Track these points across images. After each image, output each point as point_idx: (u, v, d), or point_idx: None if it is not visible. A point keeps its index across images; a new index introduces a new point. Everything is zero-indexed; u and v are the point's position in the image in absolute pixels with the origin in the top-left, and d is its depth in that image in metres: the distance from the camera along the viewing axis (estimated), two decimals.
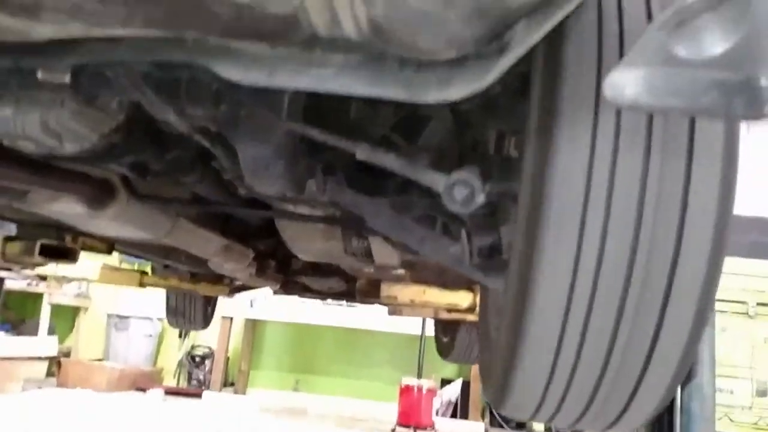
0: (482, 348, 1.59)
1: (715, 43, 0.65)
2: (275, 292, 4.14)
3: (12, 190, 1.52)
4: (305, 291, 3.60)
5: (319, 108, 1.26)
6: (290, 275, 3.13)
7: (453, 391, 6.60)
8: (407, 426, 5.24)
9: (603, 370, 0.99)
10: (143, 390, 6.73)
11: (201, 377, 7.43)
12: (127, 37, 0.84)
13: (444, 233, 1.40)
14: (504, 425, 6.10)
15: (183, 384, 7.46)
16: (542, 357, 0.98)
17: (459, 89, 0.79)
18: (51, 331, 7.03)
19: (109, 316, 7.33)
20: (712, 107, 0.65)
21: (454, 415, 6.52)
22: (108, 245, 2.44)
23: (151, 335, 7.40)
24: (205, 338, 7.42)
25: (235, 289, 3.87)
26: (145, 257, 3.02)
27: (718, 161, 0.90)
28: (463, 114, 1.33)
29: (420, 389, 5.25)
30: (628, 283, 0.92)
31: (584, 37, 0.89)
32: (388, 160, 1.13)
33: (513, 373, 1.02)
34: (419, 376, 6.34)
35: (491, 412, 6.27)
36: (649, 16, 0.90)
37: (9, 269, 4.23)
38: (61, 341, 7.21)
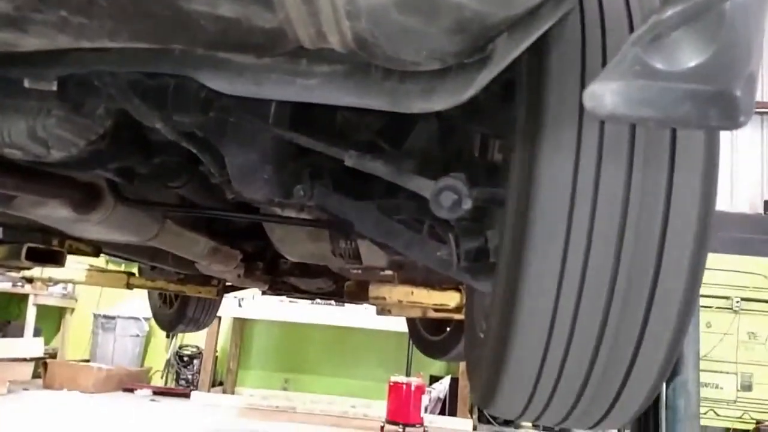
0: (469, 347, 1.60)
1: (690, 57, 0.67)
2: (263, 293, 4.14)
3: None
4: (293, 291, 3.60)
5: (306, 113, 1.27)
6: (278, 276, 3.13)
7: (441, 388, 6.63)
8: (396, 423, 5.26)
9: (590, 369, 1.01)
10: (131, 390, 6.71)
11: (189, 377, 7.41)
12: (114, 49, 0.85)
13: (430, 236, 1.41)
14: (492, 422, 6.15)
15: (171, 384, 7.44)
16: (530, 358, 1.00)
17: (442, 100, 0.81)
18: (37, 333, 6.98)
19: (96, 316, 7.29)
20: (688, 118, 0.67)
21: (442, 412, 6.56)
22: (95, 248, 2.42)
23: (138, 335, 7.37)
24: (193, 338, 7.40)
25: (223, 290, 3.86)
26: (132, 259, 3.01)
27: (699, 166, 0.92)
28: (448, 119, 1.34)
29: (409, 387, 5.27)
30: (614, 284, 0.94)
31: (567, 47, 0.91)
32: (376, 167, 1.14)
33: (501, 374, 1.04)
34: (408, 373, 6.37)
35: (479, 409, 6.32)
36: (631, 26, 0.93)
37: None
38: (47, 342, 7.16)
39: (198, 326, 4.40)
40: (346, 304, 6.21)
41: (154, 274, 3.55)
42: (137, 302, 6.98)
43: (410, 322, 4.36)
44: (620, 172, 0.91)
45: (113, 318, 7.21)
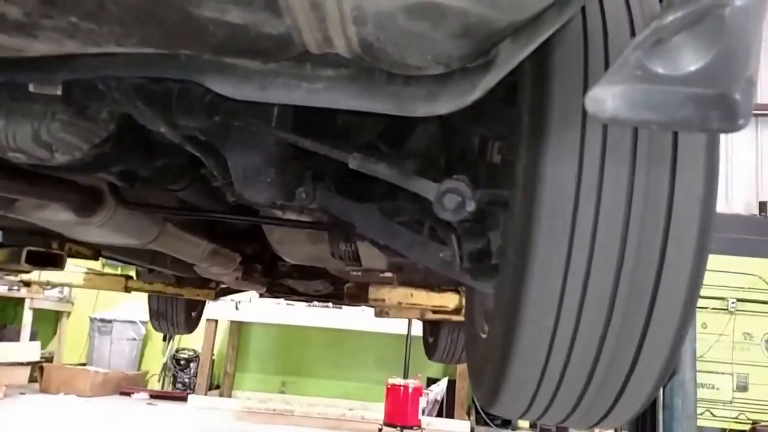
0: (470, 348, 1.61)
1: (691, 61, 0.68)
2: (261, 295, 4.14)
3: (0, 199, 1.52)
4: (291, 293, 3.60)
5: (308, 116, 1.28)
6: (276, 278, 3.13)
7: (439, 390, 6.63)
8: (394, 426, 5.26)
9: (592, 369, 1.02)
10: (128, 394, 6.69)
11: (186, 380, 7.40)
12: (121, 53, 0.85)
13: (431, 237, 1.42)
14: (490, 423, 6.15)
15: (168, 387, 7.42)
16: (533, 358, 1.01)
17: (446, 103, 0.82)
18: (33, 337, 6.96)
19: (92, 319, 7.27)
20: (689, 121, 0.68)
21: (440, 414, 6.56)
22: (94, 251, 2.43)
23: (135, 338, 7.35)
24: (190, 341, 7.39)
25: (220, 293, 3.86)
26: (131, 262, 3.00)
27: (701, 167, 0.94)
28: (450, 121, 1.35)
29: (406, 389, 5.28)
30: (617, 284, 0.95)
31: (570, 50, 0.93)
32: (380, 169, 1.15)
33: (505, 374, 1.05)
34: (405, 375, 6.37)
35: (477, 411, 6.33)
36: (633, 31, 0.94)
37: None
38: (43, 346, 7.15)
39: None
40: (343, 307, 6.21)
41: (151, 277, 3.55)
42: (134, 305, 6.98)
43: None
44: (623, 173, 0.92)
45: (110, 321, 7.19)
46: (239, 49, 0.81)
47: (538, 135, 0.92)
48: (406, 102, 0.83)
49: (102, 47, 0.81)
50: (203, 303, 4.42)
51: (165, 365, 7.53)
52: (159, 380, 7.52)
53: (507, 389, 1.07)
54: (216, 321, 7.11)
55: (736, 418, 5.89)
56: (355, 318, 6.37)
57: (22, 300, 6.93)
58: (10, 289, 6.68)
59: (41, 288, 6.85)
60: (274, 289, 3.48)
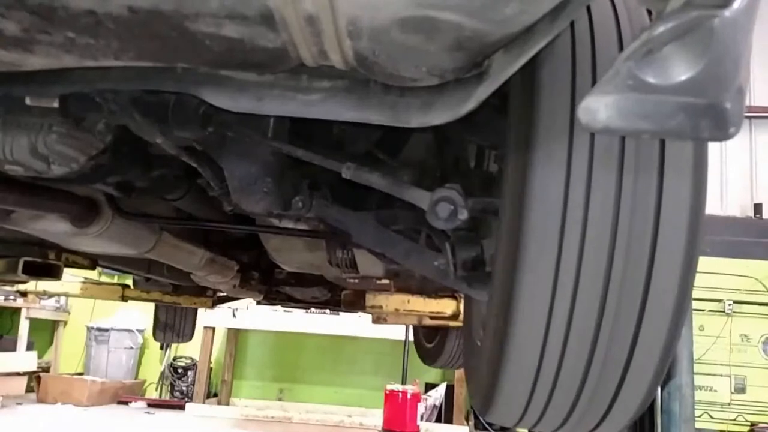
0: (467, 355, 1.62)
1: (681, 70, 0.69)
2: (258, 303, 4.14)
3: None
4: (289, 301, 3.60)
5: (303, 126, 1.28)
6: (273, 285, 3.14)
7: (437, 395, 6.63)
8: None
9: (585, 375, 1.03)
10: (125, 403, 6.66)
11: (184, 389, 7.37)
12: (117, 67, 0.86)
13: (427, 245, 1.43)
14: (488, 428, 6.15)
15: (166, 396, 7.40)
16: (526, 366, 1.02)
17: (440, 114, 0.83)
18: (30, 346, 6.93)
19: (89, 329, 7.24)
20: (680, 130, 0.69)
21: (438, 420, 6.54)
22: (91, 261, 2.43)
23: (132, 347, 7.32)
24: (187, 349, 7.37)
25: (217, 301, 3.86)
26: (128, 271, 3.01)
27: (688, 173, 0.95)
28: (444, 130, 1.36)
29: (404, 395, 5.27)
30: (607, 290, 0.96)
31: (558, 61, 0.94)
32: (374, 179, 1.16)
33: (498, 382, 1.06)
34: (403, 381, 6.36)
35: (475, 416, 6.32)
36: (620, 42, 0.95)
37: None
38: (40, 356, 7.11)
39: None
40: (340, 313, 6.21)
41: (149, 285, 3.55)
42: (131, 314, 6.96)
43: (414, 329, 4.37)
44: (611, 180, 0.93)
45: (107, 330, 7.16)
46: (235, 62, 0.82)
47: (527, 144, 0.93)
48: (401, 113, 0.84)
49: (99, 61, 0.82)
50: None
51: (162, 374, 7.50)
52: (157, 389, 7.49)
53: (500, 397, 1.08)
54: (213, 329, 7.10)
55: (735, 420, 5.90)
56: (353, 324, 6.37)
57: (18, 309, 6.90)
58: (6, 299, 6.66)
59: (38, 297, 6.83)
60: (271, 297, 3.48)
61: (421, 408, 5.45)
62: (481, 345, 1.25)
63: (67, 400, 6.24)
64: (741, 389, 5.95)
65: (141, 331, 7.16)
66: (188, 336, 4.40)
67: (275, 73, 0.84)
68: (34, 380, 6.51)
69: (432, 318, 2.67)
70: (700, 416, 5.48)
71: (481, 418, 6.10)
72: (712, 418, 5.86)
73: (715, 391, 5.91)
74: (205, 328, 6.93)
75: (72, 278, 3.44)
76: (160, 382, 7.49)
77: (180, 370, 7.47)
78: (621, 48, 0.95)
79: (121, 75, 0.90)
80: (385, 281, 2.49)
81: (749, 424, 5.85)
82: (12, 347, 6.77)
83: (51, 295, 6.25)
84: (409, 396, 5.28)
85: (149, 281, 3.45)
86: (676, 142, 0.94)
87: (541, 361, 1.01)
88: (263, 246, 2.18)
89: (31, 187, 1.43)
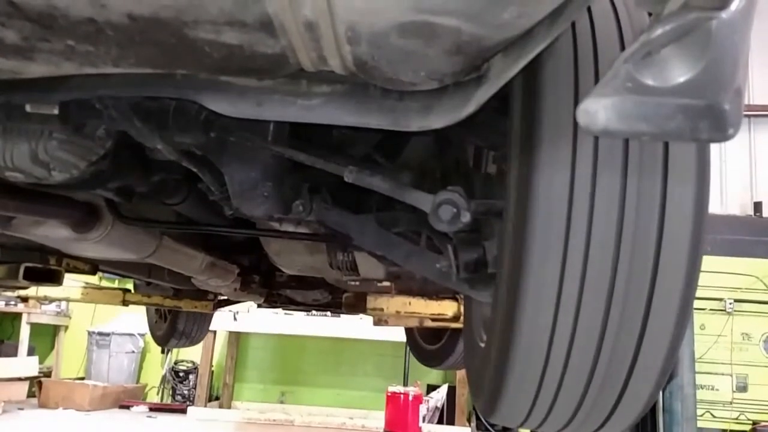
0: (469, 357, 1.62)
1: (680, 72, 0.69)
2: (259, 306, 4.13)
3: None
4: (289, 303, 3.60)
5: (303, 130, 1.29)
6: (274, 289, 3.14)
7: (439, 396, 6.63)
8: None
9: (590, 376, 1.03)
10: (127, 407, 6.66)
11: (185, 392, 7.37)
12: (117, 74, 0.86)
13: (428, 247, 1.43)
14: (490, 430, 6.14)
15: (167, 400, 7.39)
16: (531, 367, 1.02)
17: (440, 118, 0.83)
18: (31, 351, 6.93)
19: (90, 333, 7.24)
20: (679, 131, 0.69)
21: (440, 421, 6.54)
22: (92, 266, 2.43)
23: (133, 351, 7.32)
24: (189, 353, 7.37)
25: (218, 304, 3.86)
26: (129, 276, 3.01)
27: (692, 173, 0.95)
28: (444, 131, 1.36)
29: (406, 396, 5.27)
30: (612, 291, 0.96)
31: (561, 64, 0.94)
32: (375, 182, 1.16)
33: (503, 383, 1.06)
34: (405, 383, 6.37)
35: (477, 417, 6.31)
36: (622, 43, 0.95)
37: None
38: (41, 361, 7.12)
39: (191, 341, 4.41)
40: (341, 315, 6.21)
41: (149, 290, 3.55)
42: (132, 318, 6.96)
43: (408, 331, 4.36)
44: (615, 181, 0.93)
45: (108, 335, 7.16)
46: (235, 68, 0.82)
47: (531, 146, 0.93)
48: (400, 117, 0.85)
49: (98, 68, 0.82)
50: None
51: (164, 378, 7.50)
52: (158, 393, 7.49)
53: (505, 398, 1.08)
54: (214, 332, 7.09)
55: (737, 418, 5.90)
56: (354, 326, 6.36)
57: (19, 315, 6.90)
58: (7, 304, 6.66)
59: (38, 303, 6.83)
60: (272, 300, 3.48)
61: (423, 409, 5.45)
62: (485, 346, 1.25)
63: (68, 405, 6.24)
64: (742, 388, 5.94)
65: (142, 335, 7.16)
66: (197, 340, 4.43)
67: (275, 78, 0.85)
68: (36, 385, 6.51)
69: (433, 320, 2.67)
70: (701, 415, 5.48)
71: (483, 419, 6.09)
72: (714, 417, 5.86)
73: (717, 390, 5.91)
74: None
75: (73, 283, 3.43)
76: (162, 386, 7.49)
77: (181, 374, 7.47)
78: (622, 48, 0.95)
79: (121, 81, 0.90)
80: (386, 283, 2.49)
81: (751, 422, 5.84)
82: (13, 352, 6.77)
83: (52, 300, 6.23)
84: (410, 398, 5.27)
85: (150, 285, 3.45)
86: (679, 143, 0.94)
87: (547, 363, 1.02)
88: (264, 249, 2.18)
89: (31, 194, 1.43)
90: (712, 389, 5.89)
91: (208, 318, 4.36)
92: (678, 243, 0.95)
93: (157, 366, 7.64)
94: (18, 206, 1.45)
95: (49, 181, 1.23)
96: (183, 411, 6.65)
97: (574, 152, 0.92)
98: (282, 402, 7.55)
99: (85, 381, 6.90)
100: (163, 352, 7.48)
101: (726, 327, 5.97)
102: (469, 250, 1.23)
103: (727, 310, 5.98)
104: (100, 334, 7.18)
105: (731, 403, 5.93)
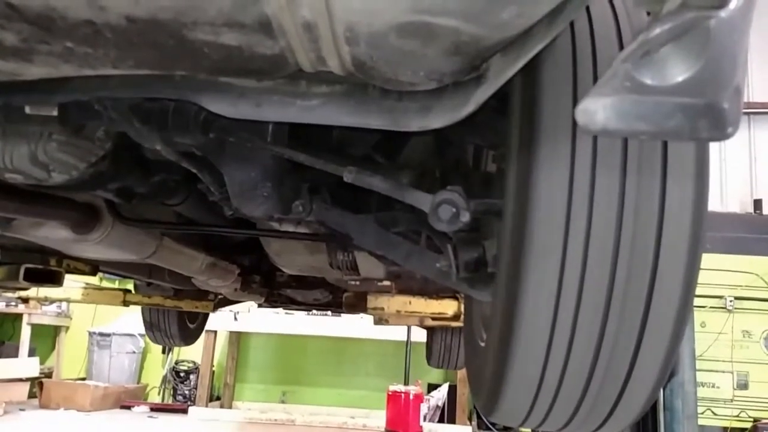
0: (469, 356, 1.62)
1: (679, 71, 0.69)
2: (260, 305, 4.14)
3: None
4: (290, 303, 3.60)
5: (303, 130, 1.28)
6: (275, 288, 3.14)
7: (440, 395, 6.63)
8: None
9: (590, 375, 1.03)
10: (128, 408, 6.66)
11: (186, 392, 7.37)
12: (116, 75, 0.86)
13: (428, 247, 1.43)
14: (491, 428, 6.15)
15: (168, 400, 7.39)
16: (531, 366, 1.02)
17: (439, 118, 0.83)
18: (32, 352, 6.93)
19: (91, 334, 7.24)
20: (678, 130, 0.69)
21: (441, 420, 6.55)
22: (92, 267, 2.43)
23: (134, 352, 7.32)
24: (190, 353, 7.37)
25: (219, 304, 3.86)
26: (130, 276, 3.01)
27: (691, 172, 0.95)
28: (443, 131, 1.36)
29: (407, 395, 5.27)
30: (611, 290, 0.96)
31: (559, 62, 0.94)
32: (375, 182, 1.16)
33: (503, 383, 1.06)
34: (406, 382, 6.36)
35: (478, 416, 6.32)
36: (621, 42, 0.95)
37: None
38: (42, 361, 7.11)
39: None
40: (342, 314, 6.21)
41: (150, 290, 3.55)
42: (132, 319, 6.95)
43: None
44: (614, 180, 0.93)
45: (108, 335, 7.16)
46: (234, 69, 0.82)
47: (530, 145, 0.93)
48: (399, 117, 0.85)
49: (97, 70, 0.82)
50: (203, 315, 4.40)
51: (165, 378, 7.50)
52: (159, 393, 7.49)
53: (505, 397, 1.08)
54: (215, 332, 7.09)
55: (738, 416, 5.89)
56: (355, 325, 6.36)
57: (19, 316, 6.90)
58: (7, 305, 6.65)
59: (39, 303, 6.83)
60: (272, 299, 3.48)
61: (424, 408, 5.45)
62: (485, 345, 1.25)
63: (69, 406, 6.24)
64: (743, 385, 5.94)
65: (143, 335, 7.14)
66: (177, 337, 4.39)
67: (274, 79, 0.85)
68: (37, 386, 6.51)
69: (434, 319, 2.67)
70: (702, 413, 5.48)
71: (484, 418, 6.10)
72: (715, 414, 5.86)
73: (718, 387, 5.90)
74: (207, 331, 6.91)
75: (73, 284, 3.44)
76: (163, 386, 7.49)
77: (182, 374, 7.47)
78: (621, 48, 0.95)
79: (120, 83, 0.90)
80: (387, 283, 2.50)
81: (752, 420, 5.84)
82: (14, 353, 6.77)
83: (53, 301, 6.23)
84: (411, 397, 5.28)
85: (150, 286, 3.45)
86: (678, 142, 0.94)
87: (547, 361, 1.02)
88: (264, 249, 2.18)
89: (31, 195, 1.43)
90: (713, 387, 5.89)
91: None
92: (677, 241, 0.95)
93: (158, 366, 7.64)
94: (18, 208, 1.45)
95: (49, 183, 1.23)
96: (184, 411, 6.64)
97: (573, 151, 0.92)
98: (283, 402, 7.55)
99: (86, 381, 6.90)
100: (163, 352, 7.48)
101: (726, 324, 5.97)
102: (468, 249, 1.23)
103: (728, 307, 5.98)
104: (100, 334, 7.19)
105: (732, 400, 5.93)
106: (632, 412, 1.11)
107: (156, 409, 6.79)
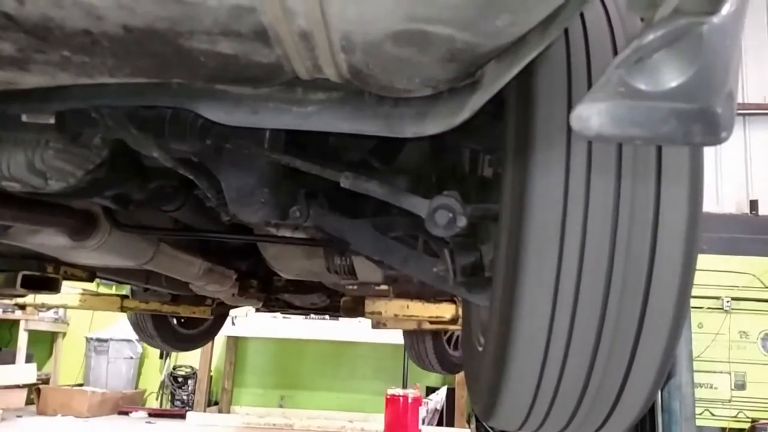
0: (467, 360, 1.62)
1: (672, 77, 0.69)
2: (257, 310, 4.13)
3: None
4: (288, 308, 3.60)
5: (299, 135, 1.29)
6: (272, 293, 3.14)
7: (438, 399, 6.63)
8: None
9: (587, 378, 1.04)
10: (126, 413, 6.65)
11: (184, 398, 7.36)
12: (113, 83, 0.87)
13: (425, 251, 1.43)
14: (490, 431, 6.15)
15: (166, 405, 7.38)
16: (528, 370, 1.03)
17: (434, 124, 0.83)
18: (29, 359, 6.91)
19: (88, 339, 7.23)
20: (672, 135, 0.69)
21: (440, 423, 6.54)
22: (90, 273, 2.43)
23: (131, 357, 7.31)
24: (187, 358, 7.36)
25: (216, 309, 3.85)
26: (127, 282, 3.01)
27: (685, 176, 0.96)
28: (439, 136, 1.37)
29: (405, 399, 5.27)
30: (608, 294, 0.97)
31: (554, 67, 0.95)
32: (371, 188, 1.17)
33: (501, 387, 1.06)
34: (404, 385, 6.36)
35: (477, 419, 6.31)
36: (614, 47, 0.96)
37: None
38: (39, 368, 7.10)
39: None
40: (340, 318, 6.21)
41: (147, 296, 3.54)
42: (130, 324, 6.93)
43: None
44: (609, 184, 0.94)
45: (106, 341, 7.15)
46: (230, 77, 0.83)
47: (525, 150, 0.94)
48: (395, 123, 0.85)
49: (94, 78, 0.83)
50: (208, 322, 4.37)
51: (162, 383, 7.49)
52: (157, 398, 7.48)
53: (503, 401, 1.08)
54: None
55: (735, 416, 5.91)
56: (352, 329, 6.36)
57: (17, 322, 6.89)
58: (4, 311, 6.64)
59: (36, 310, 6.81)
60: (270, 304, 3.48)
61: (422, 412, 5.45)
62: (483, 350, 1.25)
63: (67, 412, 6.23)
64: (741, 386, 5.96)
65: (140, 341, 7.14)
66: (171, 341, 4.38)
67: (270, 86, 0.85)
68: (34, 392, 6.49)
69: (431, 323, 2.67)
70: (700, 414, 5.49)
71: (483, 422, 6.09)
72: (713, 415, 5.87)
73: (716, 388, 5.92)
74: None
75: (70, 290, 3.43)
76: (161, 392, 7.47)
77: (180, 379, 7.45)
78: (615, 53, 0.96)
79: (116, 91, 0.90)
80: (384, 287, 2.50)
81: (750, 420, 5.86)
82: (11, 360, 6.75)
83: (50, 307, 6.23)
84: (410, 400, 5.27)
85: (147, 291, 3.44)
86: (672, 146, 0.95)
87: (544, 366, 1.02)
88: (261, 254, 2.18)
89: (28, 203, 1.43)
90: (711, 388, 5.90)
91: None
92: (672, 244, 0.96)
93: (155, 371, 7.62)
94: (15, 215, 1.45)
95: (46, 190, 1.23)
96: (182, 416, 6.63)
97: (568, 156, 0.93)
98: (281, 406, 7.54)
99: (84, 387, 6.88)
100: (161, 357, 7.47)
101: (724, 325, 5.99)
102: (465, 253, 1.24)
103: (725, 308, 6.00)
104: (98, 340, 7.17)
105: (730, 401, 5.94)
106: (630, 415, 1.12)
107: (154, 414, 6.78)
